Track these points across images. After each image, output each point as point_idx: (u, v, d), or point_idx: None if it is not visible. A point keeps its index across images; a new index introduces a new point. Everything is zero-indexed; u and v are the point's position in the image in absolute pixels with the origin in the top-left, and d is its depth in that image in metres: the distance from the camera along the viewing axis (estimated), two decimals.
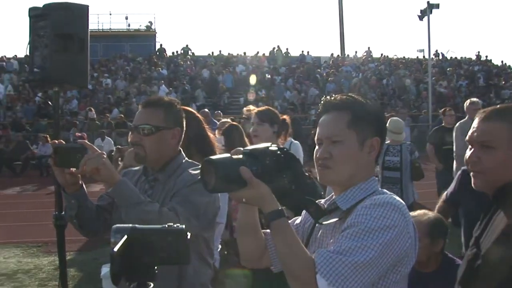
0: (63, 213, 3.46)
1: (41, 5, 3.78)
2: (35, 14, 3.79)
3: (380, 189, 1.69)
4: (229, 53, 32.05)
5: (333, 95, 1.76)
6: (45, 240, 7.83)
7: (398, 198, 1.62)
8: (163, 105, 2.39)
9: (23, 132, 19.36)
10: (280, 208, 1.56)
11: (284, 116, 4.32)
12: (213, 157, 1.56)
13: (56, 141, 2.13)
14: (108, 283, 3.19)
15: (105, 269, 3.65)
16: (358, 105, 1.67)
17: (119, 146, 8.24)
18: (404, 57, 33.38)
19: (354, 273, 1.45)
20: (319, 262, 1.48)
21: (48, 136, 17.21)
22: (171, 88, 24.03)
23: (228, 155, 1.57)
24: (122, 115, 20.63)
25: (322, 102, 1.76)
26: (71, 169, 2.11)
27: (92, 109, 20.26)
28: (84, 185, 2.24)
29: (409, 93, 26.17)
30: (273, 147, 1.60)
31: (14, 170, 17.24)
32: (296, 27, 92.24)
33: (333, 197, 1.74)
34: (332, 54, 33.17)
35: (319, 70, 29.19)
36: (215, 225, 2.54)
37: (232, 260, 4.13)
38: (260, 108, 4.24)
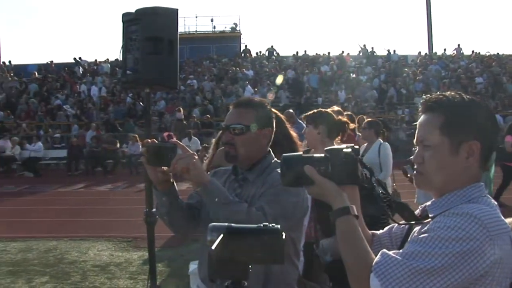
0: (154, 210, 3.59)
1: (133, 11, 3.94)
2: (127, 19, 3.94)
3: (482, 196, 1.54)
4: (316, 53, 31.87)
5: (429, 95, 1.66)
6: (135, 235, 8.14)
7: (490, 208, 1.48)
8: (254, 106, 2.41)
9: (114, 132, 20.14)
10: (347, 206, 1.54)
11: (340, 117, 4.26)
12: (286, 154, 1.62)
13: (149, 140, 2.19)
14: (195, 280, 3.26)
15: (193, 266, 3.73)
16: (454, 106, 1.56)
17: (206, 145, 8.39)
18: (497, 53, 31.63)
19: (410, 278, 1.37)
20: (377, 262, 1.44)
21: (137, 136, 17.89)
22: (256, 89, 24.19)
23: (300, 153, 1.61)
24: (209, 116, 21.06)
25: (420, 101, 1.67)
26: (162, 167, 2.15)
27: (181, 109, 20.77)
28: (175, 184, 2.29)
29: (505, 92, 24.78)
30: (347, 149, 1.60)
31: (106, 168, 18.01)
32: (382, 25, 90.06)
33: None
34: (419, 52, 32.11)
35: (406, 69, 28.38)
36: (302, 226, 2.54)
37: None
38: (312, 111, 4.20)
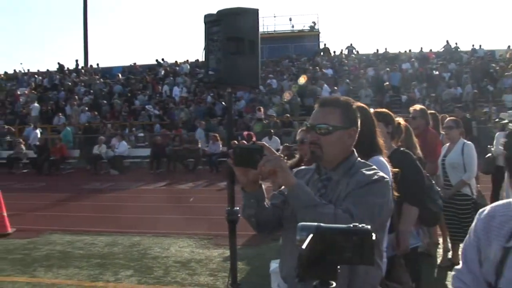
0: (236, 209, 3.62)
1: (214, 12, 4.00)
2: (209, 20, 4.00)
3: None
4: (399, 51, 31.11)
5: None
6: (215, 233, 8.28)
7: None
8: (341, 105, 2.37)
9: (195, 132, 20.54)
10: None
11: (399, 120, 4.15)
12: None
13: (235, 142, 2.21)
14: (276, 278, 3.26)
15: (274, 265, 3.74)
16: None
17: (287, 144, 8.39)
18: None
19: None
20: None
21: (217, 135, 18.20)
22: (335, 88, 23.94)
23: None
24: (288, 115, 21.06)
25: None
26: (248, 168, 2.16)
27: (261, 108, 20.90)
28: (263, 185, 2.29)
29: None
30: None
31: (187, 166, 18.43)
32: (466, 19, 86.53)
33: None
34: (509, 47, 30.45)
35: (493, 64, 27.05)
36: (386, 226, 2.49)
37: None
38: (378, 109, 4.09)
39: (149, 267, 6.59)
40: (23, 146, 21.27)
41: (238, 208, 3.65)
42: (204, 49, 3.94)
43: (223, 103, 21.02)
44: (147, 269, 6.48)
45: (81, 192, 14.44)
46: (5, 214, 9.01)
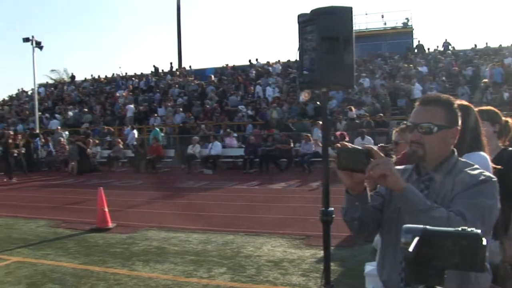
0: (330, 209, 3.58)
1: (308, 12, 3.98)
2: (303, 20, 3.98)
3: None
4: (500, 45, 29.53)
5: None
6: (308, 233, 8.26)
7: None
8: (443, 103, 2.30)
9: (288, 132, 20.57)
10: None
11: (507, 118, 3.88)
12: None
13: (339, 144, 2.16)
14: (372, 281, 3.19)
15: (369, 267, 3.67)
16: None
17: (383, 145, 8.18)
18: None
19: None
20: None
21: (310, 135, 18.15)
22: (432, 86, 23.10)
23: None
24: (382, 114, 20.63)
25: None
26: (354, 172, 2.12)
27: (352, 108, 20.61)
28: (367, 188, 2.25)
29: None
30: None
31: (279, 166, 18.50)
32: None
33: None
34: None
35: None
36: (492, 229, 2.36)
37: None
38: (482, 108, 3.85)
39: (241, 265, 6.67)
40: (121, 146, 22.33)
41: (332, 208, 3.61)
42: (298, 49, 3.92)
43: (318, 103, 20.97)
44: (240, 267, 6.56)
45: (176, 190, 14.91)
46: (106, 209, 9.48)
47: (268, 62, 34.30)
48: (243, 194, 13.50)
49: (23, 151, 20.57)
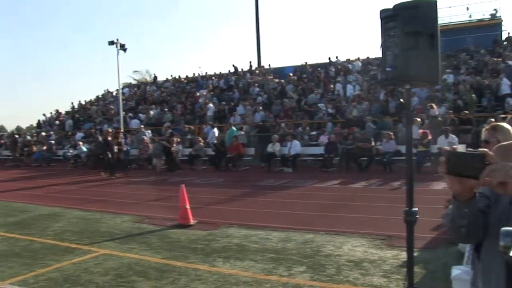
0: (414, 209, 3.48)
1: (391, 7, 3.88)
2: (385, 15, 3.89)
3: None
4: None
5: None
6: (389, 233, 8.08)
7: None
8: None
9: (368, 130, 20.19)
10: None
11: None
12: None
13: (447, 148, 2.00)
14: (459, 286, 3.06)
15: (456, 271, 3.53)
16: None
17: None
18: None
19: None
20: None
21: (391, 133, 17.76)
22: None
23: None
24: (466, 111, 19.82)
25: None
26: (465, 178, 1.95)
27: (433, 105, 19.95)
28: (476, 194, 2.09)
29: None
30: None
31: (360, 165, 18.21)
32: None
33: None
34: None
35: None
36: None
37: None
38: None
39: (321, 264, 6.62)
40: (202, 144, 22.77)
41: (416, 209, 3.50)
42: (381, 45, 3.84)
43: (401, 100, 20.46)
44: (320, 267, 6.51)
45: (256, 188, 15.02)
46: (188, 207, 9.71)
47: (348, 59, 33.87)
48: (323, 193, 13.40)
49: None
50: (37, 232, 9.61)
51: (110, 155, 20.41)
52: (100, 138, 22.35)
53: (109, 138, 20.72)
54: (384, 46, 3.79)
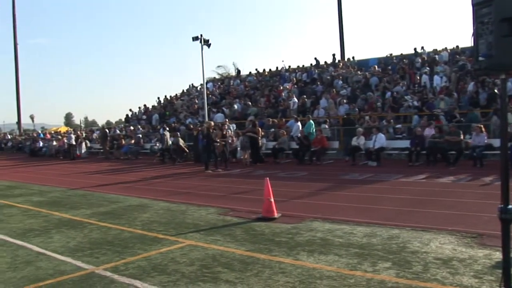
0: (510, 207, 3.29)
1: None
2: (478, 1, 3.70)
3: None
4: None
5: None
6: (480, 231, 7.74)
7: None
8: None
9: (457, 123, 19.44)
10: None
11: None
12: None
13: None
14: None
15: None
16: None
17: None
18: None
19: None
20: None
21: (482, 126, 16.99)
22: None
23: None
24: None
25: None
26: None
27: None
28: None
29: None
30: None
31: (448, 159, 17.56)
32: None
33: None
34: None
35: None
36: None
37: None
38: None
39: (407, 261, 6.44)
40: (286, 138, 22.79)
41: None
42: (473, 33, 3.65)
43: (495, 91, 19.51)
44: (406, 263, 6.33)
45: (340, 182, 14.87)
46: (272, 200, 9.74)
47: (434, 50, 32.75)
48: (409, 188, 13.04)
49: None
50: (127, 222, 10.00)
51: (213, 148, 20.34)
52: (197, 132, 22.85)
53: (212, 131, 20.66)
54: (477, 34, 3.59)
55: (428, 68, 28.82)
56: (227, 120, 28.40)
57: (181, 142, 26.06)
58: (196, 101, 39.16)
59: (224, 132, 22.03)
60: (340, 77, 32.53)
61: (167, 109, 40.23)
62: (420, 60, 31.08)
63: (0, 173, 24.35)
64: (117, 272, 6.45)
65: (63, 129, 60.28)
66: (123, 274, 6.36)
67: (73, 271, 6.62)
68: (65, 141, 34.76)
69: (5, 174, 23.37)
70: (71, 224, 10.01)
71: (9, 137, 54.79)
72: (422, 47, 33.68)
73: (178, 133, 27.19)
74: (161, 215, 10.65)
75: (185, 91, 47.63)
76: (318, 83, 32.88)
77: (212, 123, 22.17)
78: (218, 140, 20.69)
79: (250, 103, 32.28)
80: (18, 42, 59.02)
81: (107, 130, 34.98)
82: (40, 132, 55.63)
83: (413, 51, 33.73)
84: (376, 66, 32.82)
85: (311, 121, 22.98)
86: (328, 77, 33.60)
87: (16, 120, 60.48)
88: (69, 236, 8.86)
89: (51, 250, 7.89)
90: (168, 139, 26.68)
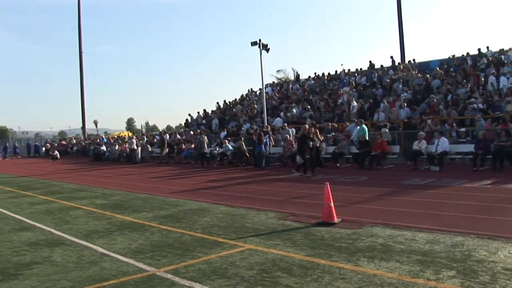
0: None
1: None
2: None
3: None
4: None
5: None
6: None
7: None
8: None
9: None
10: None
11: None
12: None
13: None
14: None
15: None
16: None
17: None
18: None
19: None
20: None
21: None
22: None
23: None
24: None
25: None
26: None
27: None
28: None
29: None
30: None
31: None
32: None
33: None
34: None
35: None
36: None
37: None
38: None
39: (473, 270, 6.22)
40: (345, 142, 22.56)
41: None
42: None
43: None
44: (471, 273, 6.12)
45: (401, 187, 14.58)
46: (332, 204, 9.67)
47: (501, 50, 31.62)
48: (473, 194, 12.64)
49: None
50: (187, 225, 10.16)
51: (309, 152, 19.80)
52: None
53: (309, 134, 20.15)
54: None
55: (494, 69, 27.88)
56: (286, 124, 28.40)
57: (243, 146, 26.19)
58: (255, 106, 39.39)
59: (313, 136, 21.62)
60: (401, 80, 31.95)
61: (226, 114, 40.66)
62: (485, 61, 30.12)
63: (66, 176, 25.32)
64: (178, 275, 6.56)
65: (125, 134, 61.90)
66: (183, 277, 6.46)
67: (135, 273, 6.79)
68: (127, 146, 35.76)
69: (71, 178, 24.27)
70: (133, 227, 10.27)
71: (74, 141, 56.90)
72: (487, 47, 32.63)
73: (242, 138, 27.35)
74: (221, 219, 10.76)
75: (244, 96, 48.01)
76: (378, 86, 32.41)
77: (307, 126, 21.64)
78: (312, 142, 20.17)
79: (308, 107, 32.16)
80: (83, 50, 60.97)
81: (164, 136, 35.68)
82: (103, 136, 57.35)
83: (477, 52, 32.73)
84: (438, 68, 32.06)
85: (363, 125, 22.64)
86: (388, 80, 33.07)
87: (80, 125, 62.53)
88: (131, 238, 9.08)
89: (114, 251, 8.12)
90: (205, 144, 27.24)
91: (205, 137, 28.24)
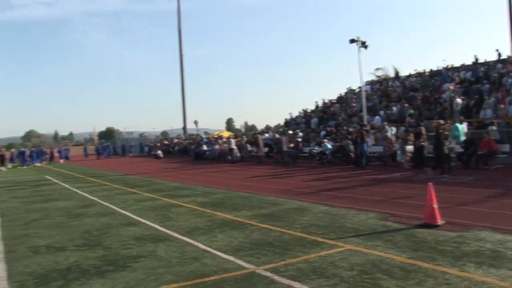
0: None
1: None
2: None
3: None
4: None
5: None
6: None
7: None
8: None
9: None
10: None
11: None
12: None
13: None
14: None
15: None
16: None
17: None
18: None
19: None
20: None
21: None
22: None
23: None
24: None
25: None
26: None
27: None
28: None
29: None
30: None
31: None
32: None
33: None
34: None
35: None
36: None
37: None
38: None
39: None
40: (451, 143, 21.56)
41: None
42: None
43: None
44: None
45: (511, 189, 13.74)
46: (435, 206, 9.27)
47: None
48: None
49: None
50: (286, 224, 10.16)
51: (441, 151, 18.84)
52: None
53: (442, 132, 19.33)
54: None
55: None
56: (386, 123, 27.72)
57: (349, 145, 25.82)
58: (354, 104, 38.84)
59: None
60: (510, 74, 30.13)
61: (326, 113, 40.41)
62: None
63: (169, 175, 26.32)
64: (277, 273, 6.57)
65: (225, 134, 63.23)
66: (283, 275, 6.45)
67: (235, 270, 6.88)
68: (226, 145, 36.55)
69: (173, 176, 25.19)
70: (233, 225, 10.43)
71: (176, 141, 59.04)
72: None
73: (349, 136, 26.97)
74: (320, 218, 10.67)
75: (343, 94, 47.50)
76: (484, 81, 30.77)
77: (441, 122, 20.72)
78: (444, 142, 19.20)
79: (406, 105, 31.17)
80: (183, 54, 63.02)
81: (259, 135, 36.02)
82: (203, 136, 58.96)
83: None
84: None
85: (457, 124, 21.49)
86: (495, 75, 31.31)
87: (182, 125, 64.68)
88: (232, 236, 9.23)
89: (215, 248, 8.29)
90: (284, 144, 27.48)
91: (284, 138, 28.51)
